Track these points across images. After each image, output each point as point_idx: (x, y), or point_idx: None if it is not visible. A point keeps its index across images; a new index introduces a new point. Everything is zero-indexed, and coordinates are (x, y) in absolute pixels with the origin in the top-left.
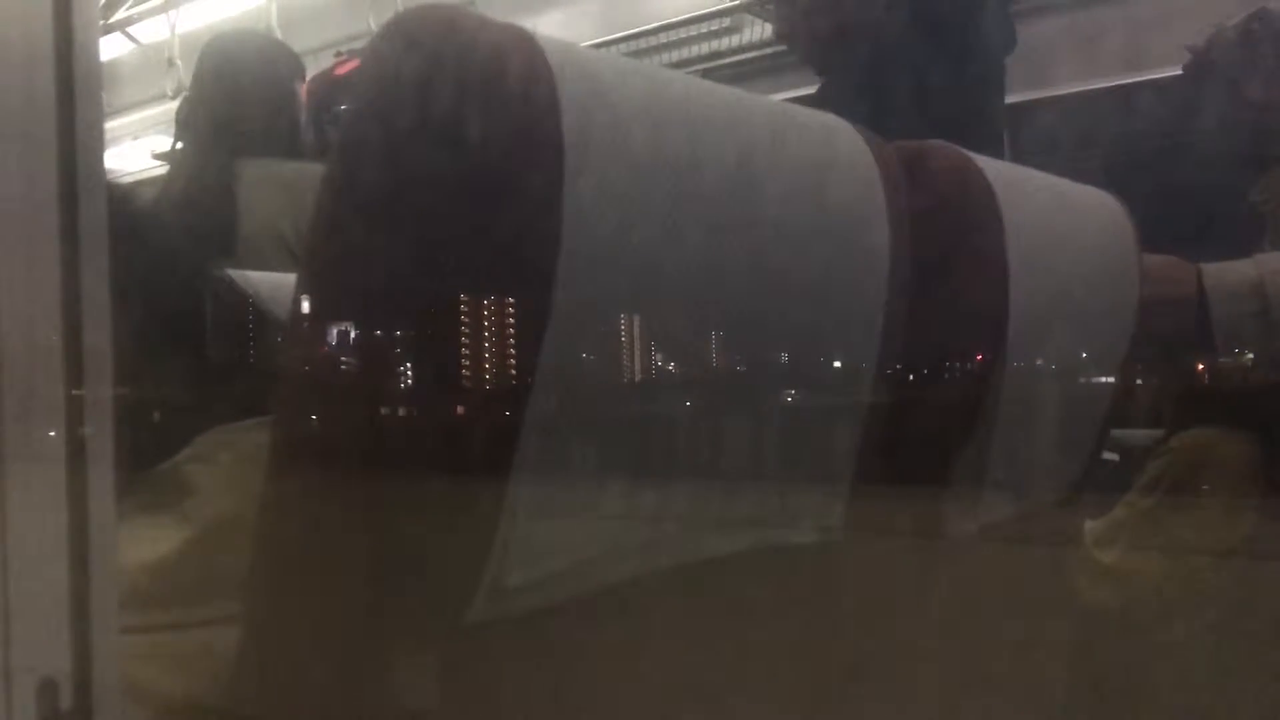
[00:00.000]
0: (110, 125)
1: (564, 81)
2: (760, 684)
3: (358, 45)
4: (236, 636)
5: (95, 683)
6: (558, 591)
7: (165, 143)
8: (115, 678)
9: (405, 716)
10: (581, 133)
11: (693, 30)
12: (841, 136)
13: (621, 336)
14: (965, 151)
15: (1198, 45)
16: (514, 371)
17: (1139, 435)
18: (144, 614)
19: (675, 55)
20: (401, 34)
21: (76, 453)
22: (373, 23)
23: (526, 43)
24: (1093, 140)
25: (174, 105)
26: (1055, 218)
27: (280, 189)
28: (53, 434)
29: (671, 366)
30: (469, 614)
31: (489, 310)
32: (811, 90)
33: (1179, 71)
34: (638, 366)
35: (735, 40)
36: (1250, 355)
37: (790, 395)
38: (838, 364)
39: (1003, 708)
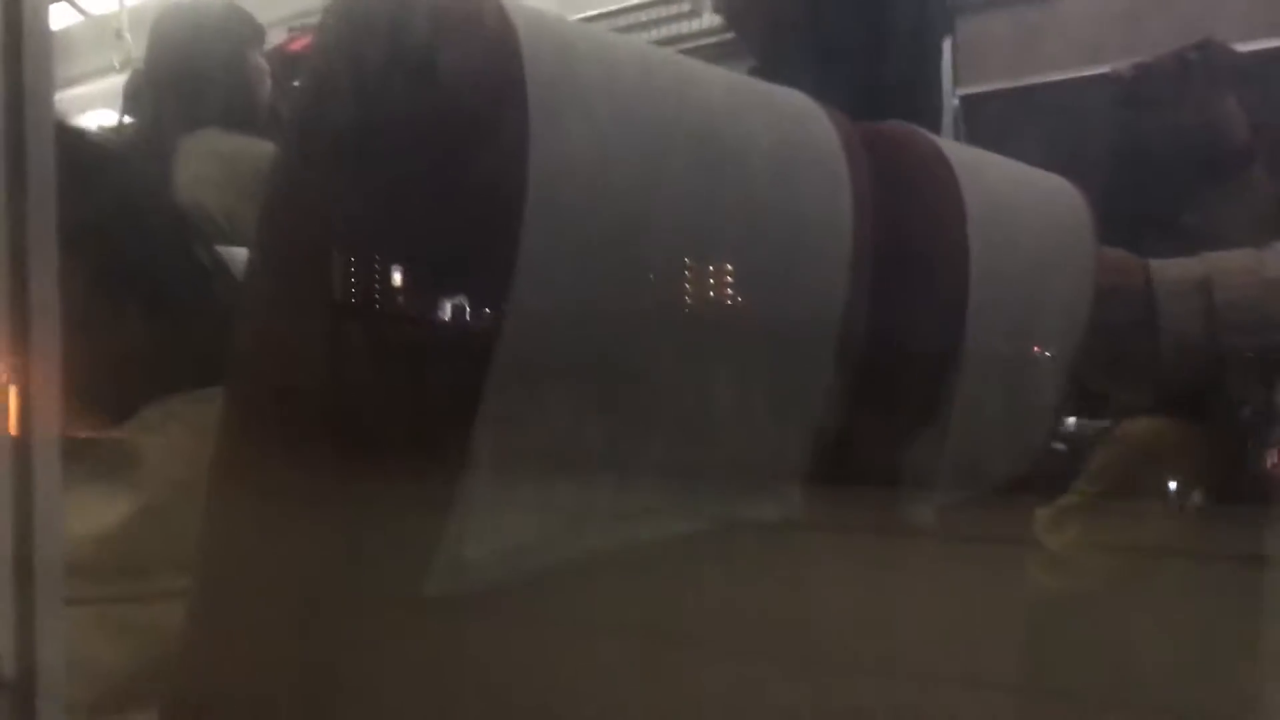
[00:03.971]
0: (55, 99)
1: (529, 48)
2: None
3: (310, 21)
4: (183, 609)
5: (39, 654)
6: (520, 566)
7: (111, 117)
8: (60, 649)
9: (357, 692)
10: (546, 96)
11: (651, 14)
12: (808, 113)
13: (585, 304)
14: (928, 134)
15: (1123, 73)
16: (476, 332)
17: (1087, 424)
18: (90, 585)
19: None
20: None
21: (21, 417)
22: None
23: (488, 4)
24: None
25: (121, 79)
26: (1016, 201)
27: (212, 160)
28: None
29: (632, 336)
30: (425, 587)
31: (449, 279)
32: None
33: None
34: (598, 335)
35: (694, 25)
36: (1195, 350)
37: (746, 379)
38: (796, 344)
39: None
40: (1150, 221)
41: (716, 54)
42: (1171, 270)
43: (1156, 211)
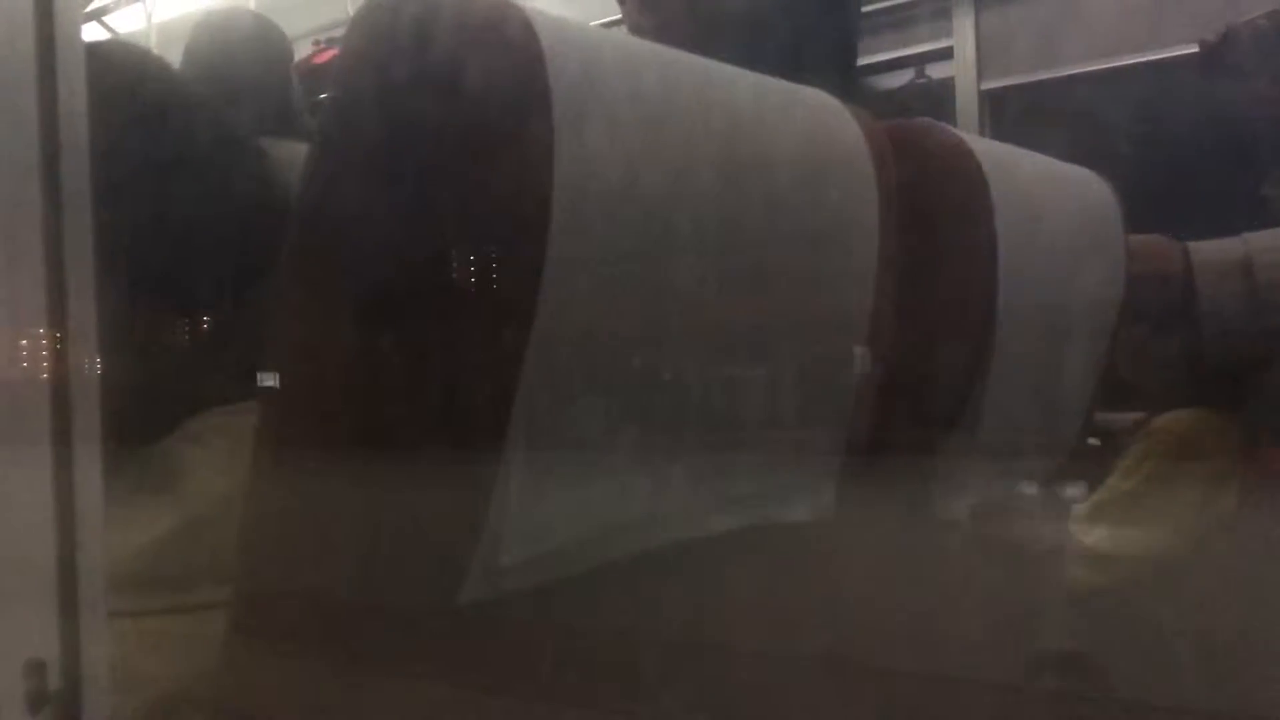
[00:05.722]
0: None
1: (553, 58)
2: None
3: (336, 34)
4: (226, 620)
5: (84, 664)
6: (553, 570)
7: None
8: (104, 660)
9: (395, 697)
10: (571, 105)
11: None
12: (831, 113)
13: (613, 309)
14: (955, 130)
15: (1209, 40)
16: (505, 338)
17: (1122, 417)
18: (134, 597)
19: None
20: (380, 13)
21: (62, 430)
22: (350, 9)
23: (513, 16)
24: (1099, 127)
25: None
26: (1043, 196)
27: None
28: (38, 411)
29: (660, 340)
30: (461, 594)
31: (477, 286)
32: None
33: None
34: (627, 340)
35: None
36: (1236, 334)
37: (776, 380)
38: (827, 342)
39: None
40: (1231, 194)
41: None
42: (1211, 251)
43: (1236, 184)
